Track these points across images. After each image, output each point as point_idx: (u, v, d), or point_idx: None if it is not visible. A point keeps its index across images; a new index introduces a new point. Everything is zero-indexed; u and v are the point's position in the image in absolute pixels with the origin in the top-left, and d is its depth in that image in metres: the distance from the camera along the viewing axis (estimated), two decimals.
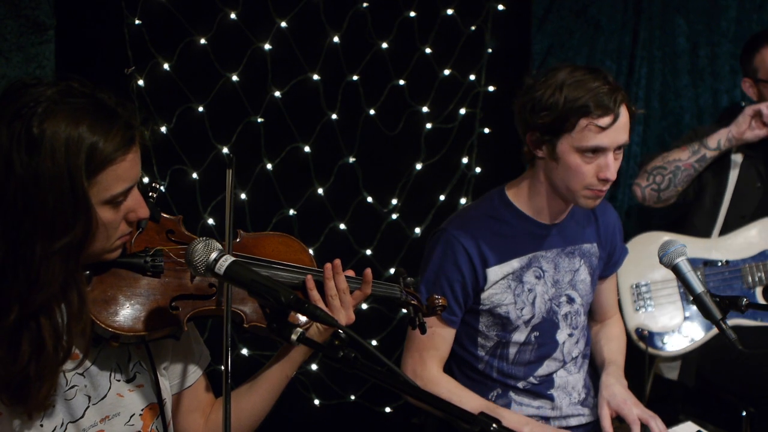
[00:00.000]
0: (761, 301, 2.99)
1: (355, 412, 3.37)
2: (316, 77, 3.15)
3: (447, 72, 3.45)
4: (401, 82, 3.35)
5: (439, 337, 2.32)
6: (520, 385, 2.37)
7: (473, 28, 3.48)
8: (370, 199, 3.35)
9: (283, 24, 3.08)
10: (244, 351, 3.08)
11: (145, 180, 1.63)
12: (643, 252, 3.13)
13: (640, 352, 2.99)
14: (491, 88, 3.53)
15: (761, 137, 3.09)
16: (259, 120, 3.07)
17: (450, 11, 3.42)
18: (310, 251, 1.83)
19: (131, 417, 1.61)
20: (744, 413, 2.79)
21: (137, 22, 2.78)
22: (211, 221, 2.99)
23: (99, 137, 1.40)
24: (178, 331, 1.59)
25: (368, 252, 3.34)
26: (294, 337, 1.41)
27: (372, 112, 3.30)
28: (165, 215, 1.65)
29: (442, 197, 3.49)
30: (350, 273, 1.80)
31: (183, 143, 2.93)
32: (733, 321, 2.93)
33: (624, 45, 3.72)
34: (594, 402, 2.43)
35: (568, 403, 2.40)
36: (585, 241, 2.40)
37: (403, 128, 3.37)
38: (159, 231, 1.62)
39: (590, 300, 2.47)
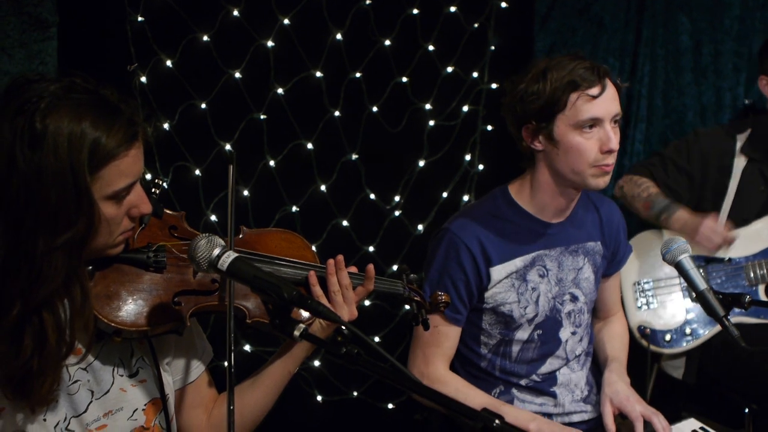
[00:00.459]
0: (764, 298, 2.99)
1: (358, 408, 3.37)
2: (318, 74, 3.14)
3: (450, 69, 3.44)
4: (404, 79, 3.34)
5: (445, 335, 2.32)
6: (523, 382, 2.37)
7: (476, 25, 3.47)
8: (372, 196, 3.34)
9: (286, 21, 3.06)
10: (247, 347, 3.07)
11: (148, 176, 1.63)
12: (646, 249, 3.13)
13: (643, 350, 2.99)
14: (494, 86, 3.52)
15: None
16: (262, 117, 3.05)
17: (453, 8, 3.41)
18: (313, 248, 1.83)
19: (134, 412, 1.62)
20: (747, 410, 2.78)
21: (140, 19, 2.77)
22: (213, 218, 2.99)
23: (102, 133, 1.41)
24: (180, 327, 1.59)
25: (371, 249, 3.33)
26: (297, 333, 1.41)
27: (375, 109, 3.29)
28: (168, 211, 1.65)
29: (444, 194, 3.48)
30: (353, 269, 1.81)
31: (185, 140, 2.92)
32: (735, 318, 2.90)
33: (627, 43, 3.70)
34: (597, 399, 2.43)
35: (570, 400, 2.40)
36: (589, 240, 2.40)
37: (406, 125, 3.36)
38: (162, 227, 1.63)
39: (594, 298, 2.47)
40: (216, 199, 2.98)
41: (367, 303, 3.25)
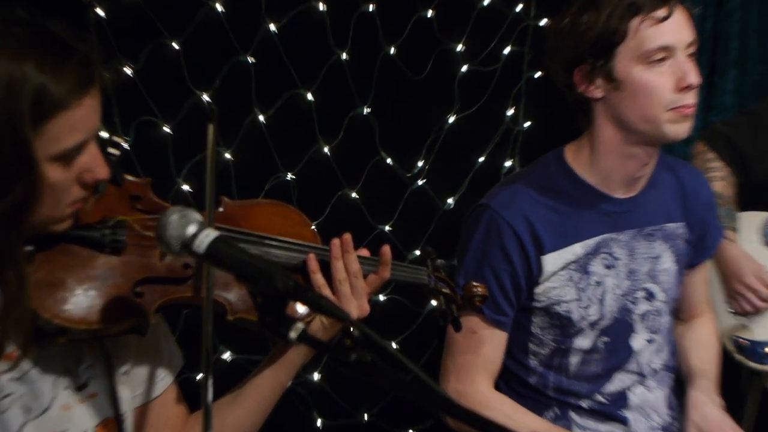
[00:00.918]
0: None
1: None
2: (321, 7, 3.14)
3: (487, 1, 3.44)
4: (429, 13, 3.34)
5: (488, 343, 2.33)
6: (584, 404, 2.37)
7: None
8: (389, 161, 3.35)
9: None
10: (227, 355, 3.09)
11: (105, 134, 1.63)
12: (740, 233, 3.10)
13: (738, 364, 2.97)
14: (543, 22, 3.53)
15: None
16: (250, 60, 3.05)
17: None
18: (313, 226, 1.84)
19: None
20: None
21: None
22: (186, 187, 3.00)
23: (48, 77, 1.40)
24: (142, 325, 1.59)
25: (387, 228, 3.37)
26: (293, 334, 1.38)
27: (392, 50, 3.30)
28: (129, 177, 1.66)
29: (481, 159, 3.51)
30: (364, 252, 1.81)
31: (153, 89, 2.91)
32: None
33: None
34: (680, 426, 2.44)
35: (646, 427, 2.40)
36: (669, 220, 2.39)
37: (432, 71, 3.36)
38: (121, 197, 1.63)
39: (676, 296, 2.46)
40: (190, 163, 2.98)
41: (382, 297, 3.27)
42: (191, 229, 1.44)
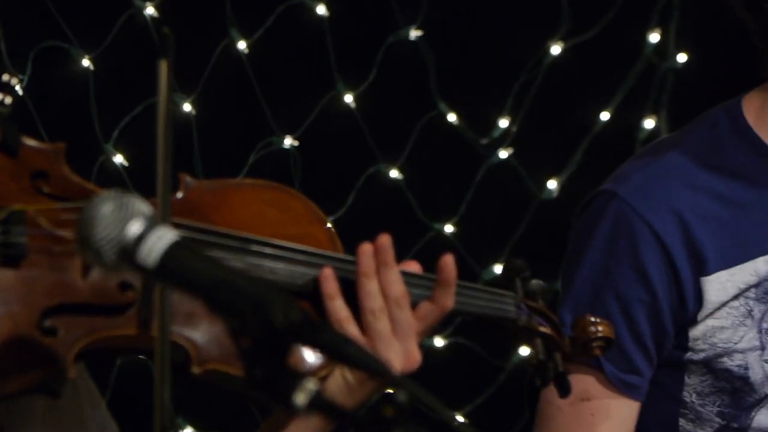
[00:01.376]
0: None
1: None
2: None
3: None
4: None
5: (610, 417, 2.40)
6: None
7: None
8: (452, 118, 3.36)
9: None
10: (188, 431, 3.13)
11: None
12: None
13: None
14: None
15: None
16: None
17: None
18: (329, 223, 1.88)
19: None
20: None
21: None
22: (120, 158, 3.03)
23: None
24: (55, 380, 1.64)
25: (448, 228, 3.40)
26: (300, 398, 1.40)
27: None
28: (29, 142, 1.71)
29: (603, 116, 3.51)
30: (412, 266, 1.84)
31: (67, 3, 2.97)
32: None
33: None
34: None
35: None
36: None
37: None
38: (18, 173, 1.69)
39: None
40: (128, 117, 3.02)
41: (441, 341, 3.29)
42: (134, 227, 1.42)
